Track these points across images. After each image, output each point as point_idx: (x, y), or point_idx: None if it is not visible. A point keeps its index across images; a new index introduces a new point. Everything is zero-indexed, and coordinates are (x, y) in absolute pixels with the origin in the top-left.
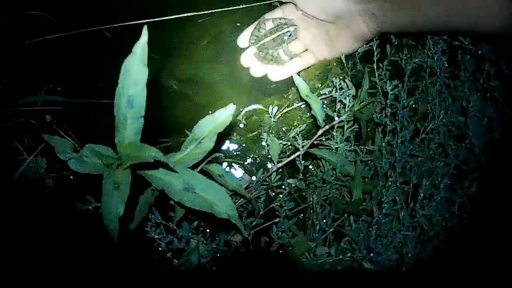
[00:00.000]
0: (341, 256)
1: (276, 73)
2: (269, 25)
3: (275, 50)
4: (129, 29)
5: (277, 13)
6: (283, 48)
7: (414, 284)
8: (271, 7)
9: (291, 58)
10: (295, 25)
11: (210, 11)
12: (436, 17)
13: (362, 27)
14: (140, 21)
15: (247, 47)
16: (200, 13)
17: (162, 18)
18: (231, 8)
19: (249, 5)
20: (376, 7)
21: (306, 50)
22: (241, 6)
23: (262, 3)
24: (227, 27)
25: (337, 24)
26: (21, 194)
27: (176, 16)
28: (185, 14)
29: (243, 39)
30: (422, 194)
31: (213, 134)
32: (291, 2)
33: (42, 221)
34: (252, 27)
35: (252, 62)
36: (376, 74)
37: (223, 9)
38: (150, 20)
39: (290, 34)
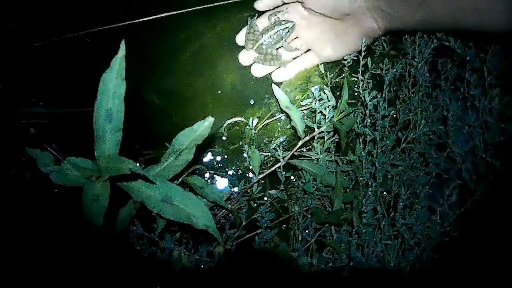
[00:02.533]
0: (323, 266)
1: (280, 74)
2: (263, 23)
3: (275, 49)
4: (108, 33)
5: (280, 13)
6: (282, 45)
7: None
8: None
9: (294, 56)
10: (292, 21)
11: (191, 9)
12: (446, 14)
13: (371, 24)
14: (119, 24)
15: (244, 47)
16: (182, 11)
17: (140, 20)
18: (215, 4)
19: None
20: (386, 3)
21: (309, 50)
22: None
23: None
24: (210, 39)
25: (345, 22)
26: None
27: (155, 16)
28: (165, 14)
29: (240, 38)
30: (402, 203)
31: (192, 146)
32: (297, 1)
33: (25, 233)
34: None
35: (252, 62)
36: (360, 84)
37: (203, 6)
38: (129, 22)
39: (288, 30)
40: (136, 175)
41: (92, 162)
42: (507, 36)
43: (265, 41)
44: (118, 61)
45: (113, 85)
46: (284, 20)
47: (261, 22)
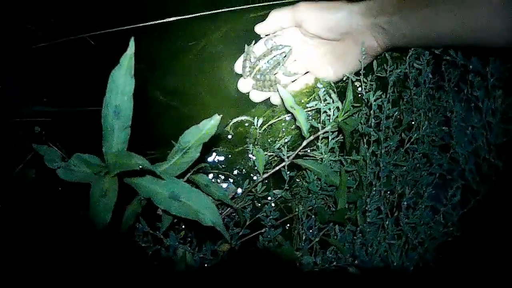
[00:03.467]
0: (327, 265)
1: (278, 98)
2: (260, 49)
3: (272, 75)
4: (113, 36)
5: (277, 37)
6: (280, 69)
7: None
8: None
9: (292, 79)
10: (289, 46)
11: (196, 14)
12: (448, 32)
13: (371, 42)
14: (124, 27)
15: (242, 75)
16: (186, 16)
17: (145, 24)
18: (220, 10)
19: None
20: (386, 21)
21: (308, 72)
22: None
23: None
24: (215, 37)
25: (344, 42)
26: (11, 204)
27: (159, 21)
28: (169, 19)
29: (238, 66)
30: (406, 203)
31: (199, 144)
32: (294, 26)
33: (31, 231)
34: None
35: (250, 89)
36: (362, 86)
37: (211, 12)
38: (134, 25)
39: (285, 55)
40: (144, 171)
41: (99, 159)
42: (509, 51)
43: (262, 67)
44: (127, 58)
45: (122, 82)
46: (280, 45)
47: (258, 48)
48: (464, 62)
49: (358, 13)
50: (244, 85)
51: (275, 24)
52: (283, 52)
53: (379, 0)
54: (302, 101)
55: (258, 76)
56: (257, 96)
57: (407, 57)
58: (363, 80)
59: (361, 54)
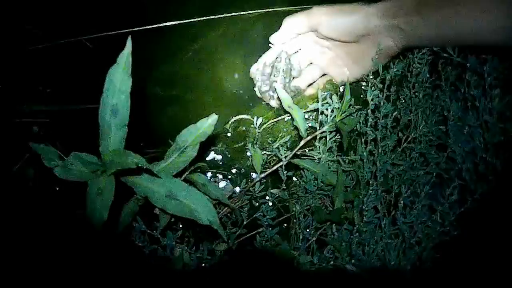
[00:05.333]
0: (324, 264)
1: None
2: (271, 58)
3: (291, 85)
4: (109, 39)
5: (292, 42)
6: (293, 74)
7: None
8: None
9: (308, 83)
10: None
11: (197, 19)
12: (468, 31)
13: (389, 42)
14: (121, 31)
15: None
16: (182, 21)
17: (142, 28)
18: (224, 15)
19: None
20: (404, 22)
21: (324, 74)
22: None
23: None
24: (213, 38)
25: (361, 43)
26: (9, 202)
27: (156, 25)
28: (166, 23)
29: (253, 72)
30: (403, 202)
31: (196, 143)
32: (309, 31)
33: (28, 229)
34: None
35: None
36: (369, 87)
37: (208, 17)
38: (131, 29)
39: (290, 60)
40: (141, 169)
41: (97, 157)
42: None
43: (277, 83)
44: (125, 57)
45: (119, 80)
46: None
47: (270, 57)
48: (462, 61)
49: (375, 15)
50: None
51: (290, 32)
52: (287, 57)
53: (396, 1)
54: (308, 104)
55: (270, 87)
56: (275, 103)
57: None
58: (370, 82)
59: (377, 56)
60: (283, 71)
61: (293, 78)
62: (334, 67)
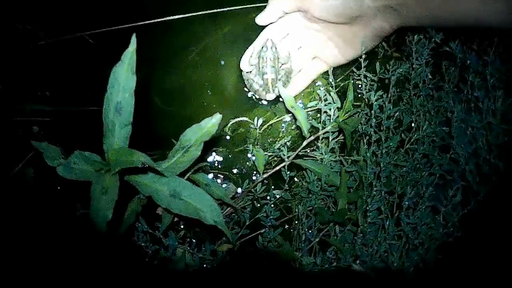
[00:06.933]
0: (326, 266)
1: (292, 91)
2: (260, 44)
3: (281, 74)
4: (111, 34)
5: (274, 27)
6: (282, 61)
7: None
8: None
9: (299, 69)
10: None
11: (197, 13)
12: (468, 14)
13: (381, 23)
14: (123, 26)
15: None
16: (184, 15)
17: (144, 22)
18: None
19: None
20: (397, 3)
21: (315, 58)
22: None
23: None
24: (215, 37)
25: (353, 25)
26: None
27: (159, 20)
28: (168, 18)
29: (244, 64)
30: (406, 204)
31: (200, 142)
32: (299, 11)
33: (30, 229)
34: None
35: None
36: (363, 85)
37: (211, 11)
38: (133, 24)
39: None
40: (146, 168)
41: (100, 156)
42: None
43: (263, 70)
44: (129, 55)
45: (123, 78)
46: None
47: (259, 44)
48: (463, 57)
49: None
50: (252, 84)
51: (277, 11)
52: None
53: None
54: (304, 102)
55: (261, 78)
56: (270, 96)
57: (408, 57)
58: (363, 80)
59: (369, 37)
60: (270, 60)
61: (282, 64)
62: (325, 49)
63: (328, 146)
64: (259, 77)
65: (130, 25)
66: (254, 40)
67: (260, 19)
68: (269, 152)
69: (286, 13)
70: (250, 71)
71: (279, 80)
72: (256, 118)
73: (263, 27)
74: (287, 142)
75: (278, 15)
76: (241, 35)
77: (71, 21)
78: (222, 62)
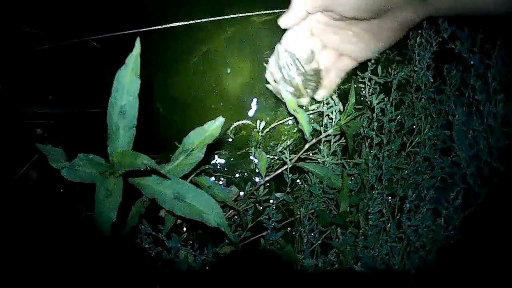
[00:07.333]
0: (328, 268)
1: (322, 93)
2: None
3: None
4: (117, 39)
5: (297, 28)
6: (304, 67)
7: None
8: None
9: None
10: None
11: (200, 20)
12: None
13: (411, 14)
14: (129, 31)
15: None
16: (193, 21)
17: (150, 28)
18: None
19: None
20: None
21: (341, 55)
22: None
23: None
24: (218, 41)
25: (381, 19)
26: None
27: (163, 26)
28: (173, 24)
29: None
30: (408, 206)
31: (203, 145)
32: (323, 11)
33: (34, 232)
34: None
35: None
36: (366, 89)
37: (214, 18)
38: (138, 30)
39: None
40: (149, 171)
41: (104, 159)
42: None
43: (288, 76)
44: (133, 58)
45: (127, 81)
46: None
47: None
48: (467, 57)
49: None
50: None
51: (300, 12)
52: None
53: None
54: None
55: (290, 85)
56: (304, 101)
57: (410, 61)
58: (367, 83)
59: (397, 29)
60: (291, 64)
61: (305, 65)
62: (351, 46)
63: (330, 149)
64: (288, 84)
65: (134, 30)
66: (259, 42)
67: (283, 22)
68: (272, 155)
69: (309, 13)
70: (277, 82)
71: (310, 81)
72: (258, 121)
73: (265, 30)
74: (289, 145)
75: (302, 16)
76: (243, 38)
77: (76, 26)
78: (228, 70)
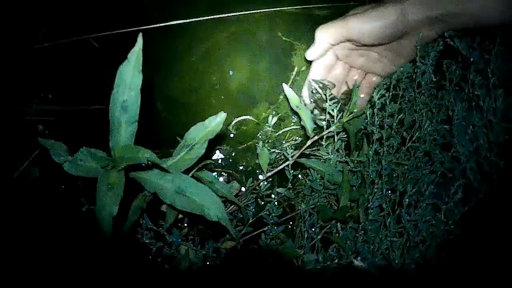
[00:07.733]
0: (328, 263)
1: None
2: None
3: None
4: (117, 37)
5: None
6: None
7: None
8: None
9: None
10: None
11: (201, 18)
12: (500, 13)
13: (428, 32)
14: (129, 29)
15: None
16: (191, 20)
17: (149, 26)
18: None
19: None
20: (441, 12)
21: (367, 73)
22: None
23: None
24: (218, 39)
25: (401, 39)
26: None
27: (161, 24)
28: (174, 22)
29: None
30: (408, 201)
31: (204, 140)
32: (346, 41)
33: (35, 227)
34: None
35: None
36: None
37: (215, 16)
38: (139, 28)
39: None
40: (151, 165)
41: (106, 153)
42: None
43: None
44: (135, 54)
45: (129, 77)
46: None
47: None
48: (466, 53)
49: (411, 11)
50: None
51: (324, 45)
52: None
53: None
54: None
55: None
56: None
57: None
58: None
59: (416, 46)
60: (324, 95)
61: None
62: (377, 66)
63: (334, 147)
64: (323, 112)
65: (134, 28)
66: (259, 39)
67: (309, 55)
68: (276, 150)
69: (333, 44)
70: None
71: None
72: (270, 116)
73: (265, 27)
74: (291, 141)
75: (326, 48)
76: (244, 36)
77: (77, 25)
78: (227, 62)
